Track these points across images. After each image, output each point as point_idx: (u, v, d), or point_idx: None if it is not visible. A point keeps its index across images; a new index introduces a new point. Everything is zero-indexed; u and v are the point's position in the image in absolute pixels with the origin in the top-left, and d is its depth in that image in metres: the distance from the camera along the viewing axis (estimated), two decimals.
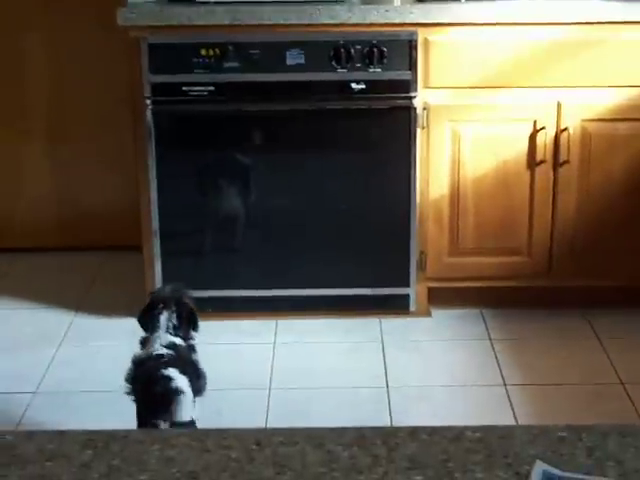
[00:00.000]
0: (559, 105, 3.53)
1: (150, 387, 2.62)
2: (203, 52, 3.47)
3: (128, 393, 2.70)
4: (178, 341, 2.80)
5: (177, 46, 3.48)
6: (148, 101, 3.51)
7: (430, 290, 3.75)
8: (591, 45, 3.49)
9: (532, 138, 3.56)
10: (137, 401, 2.67)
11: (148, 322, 2.84)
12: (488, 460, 1.31)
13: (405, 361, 3.47)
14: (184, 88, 3.51)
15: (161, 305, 2.84)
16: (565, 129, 3.54)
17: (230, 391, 3.26)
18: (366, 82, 3.51)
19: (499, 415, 3.12)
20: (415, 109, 3.52)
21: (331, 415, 3.13)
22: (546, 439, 1.36)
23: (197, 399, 2.72)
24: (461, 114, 3.56)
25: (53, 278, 4.13)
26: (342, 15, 3.45)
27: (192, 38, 3.48)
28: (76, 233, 4.37)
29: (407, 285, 3.70)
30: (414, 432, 1.37)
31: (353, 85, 3.52)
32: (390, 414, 3.15)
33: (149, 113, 3.51)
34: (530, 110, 3.55)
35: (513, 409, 3.15)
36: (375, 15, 3.46)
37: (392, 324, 3.70)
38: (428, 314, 3.77)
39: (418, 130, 3.54)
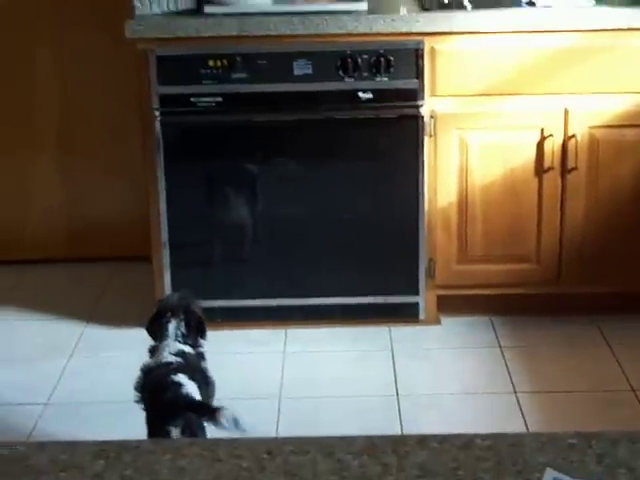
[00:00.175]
0: (566, 112, 3.54)
1: (160, 394, 2.63)
2: (211, 63, 3.49)
3: (138, 401, 2.70)
4: (187, 349, 2.80)
5: (185, 58, 3.50)
6: (157, 112, 3.53)
7: (439, 298, 3.76)
8: (598, 52, 3.49)
9: (540, 145, 3.56)
10: (147, 409, 2.68)
11: (156, 330, 2.84)
12: (498, 468, 1.32)
13: (415, 369, 3.47)
14: (192, 99, 3.52)
15: (169, 313, 2.85)
16: (572, 136, 3.54)
17: (240, 400, 3.25)
18: (373, 91, 3.52)
19: (509, 423, 3.12)
20: (422, 117, 3.53)
21: (341, 424, 3.13)
22: (556, 446, 1.36)
23: None
24: (468, 122, 3.56)
25: (63, 289, 4.15)
26: (349, 25, 3.46)
27: (200, 49, 3.49)
28: (85, 244, 4.39)
29: (416, 293, 3.71)
30: (424, 440, 1.37)
31: (360, 94, 3.53)
32: (400, 422, 3.15)
33: (158, 124, 3.53)
34: (537, 117, 3.55)
35: (523, 416, 3.15)
36: (382, 25, 3.47)
37: (401, 332, 3.70)
38: (437, 322, 3.77)
39: (426, 138, 3.55)
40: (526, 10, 3.55)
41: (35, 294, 4.10)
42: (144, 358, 2.82)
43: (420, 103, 3.53)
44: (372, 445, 1.37)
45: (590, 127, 3.55)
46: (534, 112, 3.55)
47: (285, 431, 3.10)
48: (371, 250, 3.67)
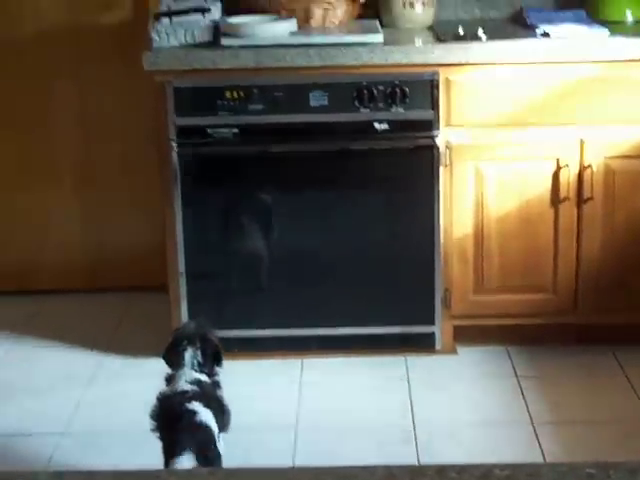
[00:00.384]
0: (582, 142, 3.54)
1: (175, 421, 2.63)
2: (227, 95, 3.52)
3: (153, 430, 2.71)
4: (203, 377, 2.81)
5: (202, 89, 3.53)
6: (174, 143, 3.55)
7: (455, 328, 3.76)
8: (613, 82, 3.50)
9: (555, 176, 3.57)
10: (162, 437, 2.68)
11: (173, 359, 2.86)
12: None
13: (431, 399, 3.46)
14: (209, 130, 3.54)
15: (186, 342, 2.86)
16: (588, 166, 3.55)
17: (257, 431, 3.26)
18: (389, 122, 3.54)
19: (526, 453, 3.11)
20: (438, 148, 3.54)
21: (358, 454, 3.13)
22: (574, 476, 1.35)
23: (222, 435, 2.73)
24: (484, 152, 3.57)
25: (81, 319, 4.17)
26: (364, 56, 3.49)
27: (216, 81, 3.52)
28: (103, 274, 4.41)
29: (432, 323, 3.71)
30: (442, 470, 1.37)
31: (376, 125, 3.55)
32: (417, 452, 3.14)
33: (175, 155, 3.55)
34: (553, 148, 3.56)
35: (541, 447, 3.14)
36: (397, 56, 3.49)
37: (418, 362, 3.70)
38: (454, 352, 3.76)
39: (441, 169, 3.56)
40: (541, 41, 3.57)
41: (53, 324, 4.12)
42: (161, 387, 2.83)
43: (435, 134, 3.54)
44: (390, 475, 1.37)
45: (606, 157, 3.55)
46: (549, 142, 3.56)
47: (302, 461, 3.10)
48: (387, 280, 3.68)
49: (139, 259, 4.38)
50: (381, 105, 3.52)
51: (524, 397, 3.44)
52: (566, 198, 3.58)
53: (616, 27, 3.68)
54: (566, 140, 3.55)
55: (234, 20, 3.67)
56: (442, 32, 3.72)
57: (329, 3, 3.71)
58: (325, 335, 3.73)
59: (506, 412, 3.35)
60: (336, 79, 3.51)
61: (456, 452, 3.14)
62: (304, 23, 3.70)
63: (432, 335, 3.72)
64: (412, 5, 3.86)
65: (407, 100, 3.52)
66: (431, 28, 3.88)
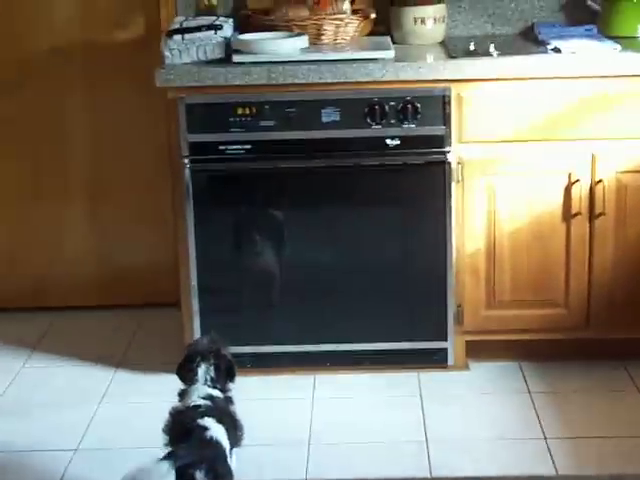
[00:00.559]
0: (593, 157, 3.55)
1: (186, 437, 2.64)
2: (239, 111, 3.53)
3: (166, 444, 2.72)
4: (216, 393, 2.82)
5: (214, 106, 3.54)
6: (186, 160, 3.56)
7: (467, 343, 3.75)
8: (624, 97, 3.51)
9: (567, 191, 3.57)
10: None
11: (186, 374, 2.87)
12: None
13: (444, 415, 3.46)
14: (221, 147, 3.56)
15: (199, 357, 2.88)
16: (600, 181, 3.55)
17: (269, 446, 3.26)
18: (401, 138, 3.55)
19: (539, 468, 3.09)
20: (449, 164, 3.55)
21: (371, 469, 3.12)
22: None
23: (234, 450, 2.74)
24: (495, 168, 3.58)
25: (93, 335, 4.18)
26: (376, 73, 3.50)
27: (229, 98, 3.53)
28: (115, 291, 4.43)
29: (444, 339, 3.70)
30: None
31: (388, 141, 3.55)
32: (430, 468, 3.13)
33: (187, 172, 3.57)
34: (564, 163, 3.56)
35: (553, 462, 3.12)
36: (409, 72, 3.50)
37: (430, 378, 3.69)
38: (466, 367, 3.76)
39: (453, 184, 3.57)
40: (552, 56, 3.58)
41: (66, 340, 4.13)
42: (174, 404, 2.83)
43: (447, 149, 3.55)
44: None
45: (617, 172, 3.56)
46: (561, 157, 3.56)
47: (314, 477, 3.10)
48: (399, 296, 3.68)
49: (152, 275, 4.39)
50: (393, 121, 3.53)
51: (537, 412, 3.44)
52: (578, 213, 3.58)
53: (627, 42, 3.69)
54: (578, 155, 3.55)
55: (245, 37, 3.68)
56: (453, 48, 3.73)
57: (340, 20, 3.72)
58: (337, 351, 3.73)
59: (519, 427, 3.35)
60: (348, 95, 3.52)
61: (469, 467, 3.12)
62: (315, 40, 3.71)
63: (444, 351, 3.72)
64: (423, 21, 3.88)
65: (419, 116, 3.52)
66: (442, 44, 3.89)
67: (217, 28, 3.67)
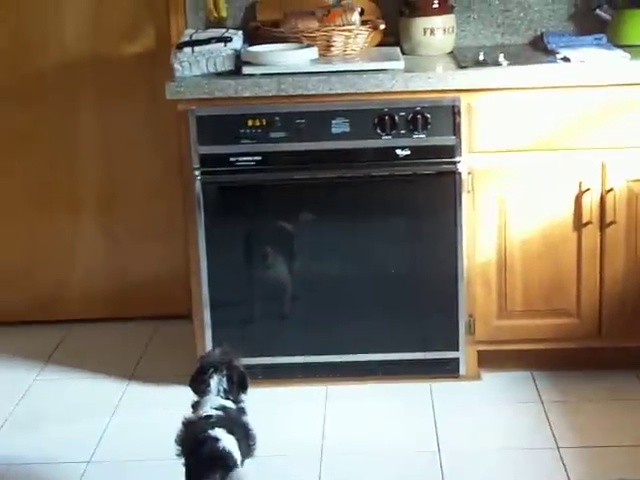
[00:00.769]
0: (604, 166, 3.55)
1: (197, 448, 2.64)
2: (250, 123, 3.54)
3: (178, 455, 2.73)
4: (228, 404, 2.83)
5: (224, 118, 3.55)
6: (197, 172, 3.58)
7: (479, 353, 3.75)
8: (634, 106, 3.50)
9: (577, 200, 3.57)
10: (185, 463, 2.69)
11: (199, 386, 2.88)
12: None
13: (456, 425, 3.45)
14: (231, 159, 3.57)
15: (212, 369, 2.88)
16: (610, 190, 3.55)
17: (282, 457, 3.26)
18: (411, 148, 3.55)
19: (552, 478, 3.09)
20: (460, 174, 3.55)
21: None
22: None
23: (246, 461, 2.74)
24: (506, 177, 3.58)
25: (106, 348, 4.19)
26: (386, 83, 3.51)
27: (239, 110, 3.54)
28: (127, 303, 4.44)
29: (456, 349, 3.70)
30: None
31: (398, 151, 3.56)
32: (442, 479, 3.13)
33: (198, 184, 3.58)
34: (575, 172, 3.56)
35: (566, 472, 3.12)
36: (418, 82, 3.51)
37: (442, 388, 3.69)
38: (478, 377, 3.76)
39: (464, 194, 3.57)
40: (561, 66, 3.58)
41: (78, 353, 4.14)
42: (187, 415, 2.84)
43: (457, 159, 3.55)
44: None
45: (628, 180, 3.55)
46: (571, 166, 3.56)
47: None
48: (411, 306, 3.68)
49: (163, 287, 4.40)
50: (403, 131, 3.54)
51: (549, 422, 3.43)
52: (589, 222, 3.58)
53: (636, 51, 3.69)
54: (588, 164, 3.55)
55: (255, 49, 3.70)
56: (463, 58, 3.74)
57: (350, 31, 3.73)
58: (349, 361, 3.73)
59: (531, 437, 3.34)
60: (358, 106, 3.53)
61: (482, 477, 3.13)
62: (325, 51, 3.73)
63: (456, 361, 3.71)
64: (433, 32, 3.88)
65: (429, 126, 3.53)
66: (452, 54, 3.90)
67: (227, 40, 3.68)
